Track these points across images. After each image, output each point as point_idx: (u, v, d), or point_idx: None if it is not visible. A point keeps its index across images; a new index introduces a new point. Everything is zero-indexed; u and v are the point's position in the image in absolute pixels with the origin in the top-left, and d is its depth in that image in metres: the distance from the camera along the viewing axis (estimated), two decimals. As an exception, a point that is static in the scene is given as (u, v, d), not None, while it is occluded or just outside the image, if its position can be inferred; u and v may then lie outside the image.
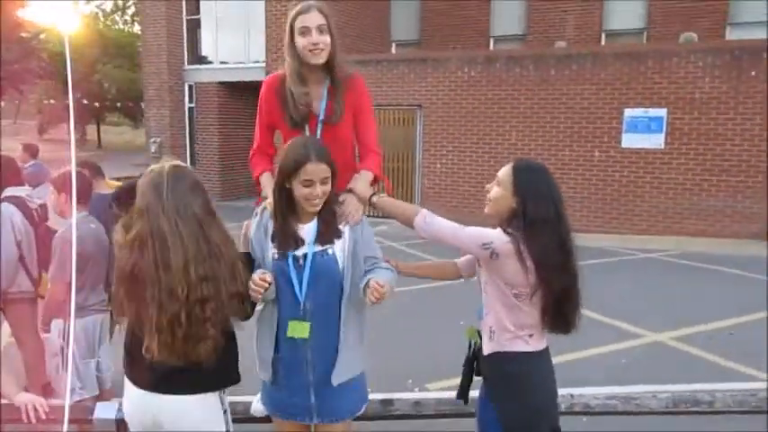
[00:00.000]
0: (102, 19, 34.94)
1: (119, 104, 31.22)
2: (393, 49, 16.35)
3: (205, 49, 14.46)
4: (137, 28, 31.90)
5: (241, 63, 13.81)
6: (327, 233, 2.23)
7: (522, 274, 2.13)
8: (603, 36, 14.46)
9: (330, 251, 2.21)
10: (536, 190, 2.18)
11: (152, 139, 14.62)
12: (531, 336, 2.25)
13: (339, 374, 2.23)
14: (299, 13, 2.53)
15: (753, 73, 9.63)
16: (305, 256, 2.19)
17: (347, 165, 2.60)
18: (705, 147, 9.99)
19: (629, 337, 5.66)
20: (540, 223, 2.13)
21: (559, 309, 2.20)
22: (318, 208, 2.21)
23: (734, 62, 9.75)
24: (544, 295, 2.16)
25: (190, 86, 14.55)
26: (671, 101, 10.11)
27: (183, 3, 14.21)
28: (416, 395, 3.01)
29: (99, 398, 3.33)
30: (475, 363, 2.42)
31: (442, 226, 2.25)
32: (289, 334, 2.20)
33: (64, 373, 3.20)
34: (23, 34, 27.23)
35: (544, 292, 2.15)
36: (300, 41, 2.50)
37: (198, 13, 14.22)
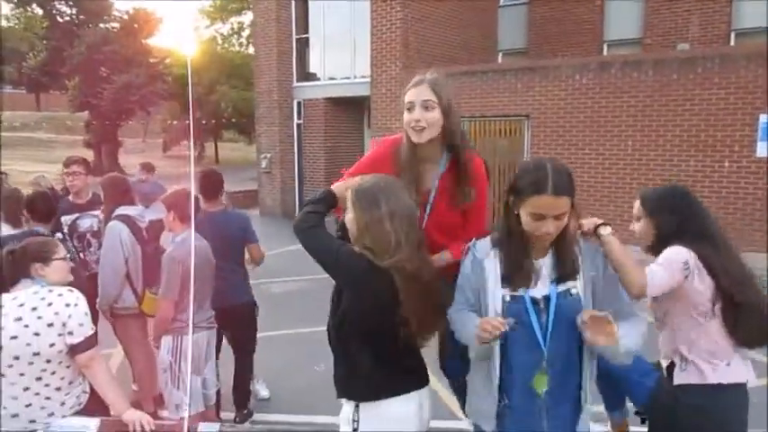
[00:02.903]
0: (220, 42, 37.12)
1: (234, 121, 32.96)
2: (500, 59, 15.99)
3: (313, 67, 14.86)
4: (251, 49, 33.64)
5: (347, 79, 14.04)
6: (566, 270, 1.92)
7: (709, 287, 2.13)
8: (733, 36, 13.27)
9: (574, 290, 1.91)
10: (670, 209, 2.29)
11: (263, 155, 15.20)
12: (719, 364, 2.16)
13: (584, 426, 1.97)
14: (409, 87, 2.42)
15: None
16: (546, 298, 1.90)
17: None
18: None
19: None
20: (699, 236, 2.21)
21: (748, 319, 2.15)
22: (548, 243, 1.92)
23: None
24: (727, 307, 2.14)
25: (298, 103, 15.00)
26: (816, 104, 9.01)
27: (293, 23, 14.70)
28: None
29: (203, 415, 3.35)
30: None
31: (660, 275, 2.05)
32: (531, 385, 1.93)
33: (173, 388, 3.25)
34: (151, 60, 29.58)
35: (726, 303, 2.14)
36: (405, 117, 2.39)
37: (307, 32, 14.66)
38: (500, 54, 16.11)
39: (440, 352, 2.71)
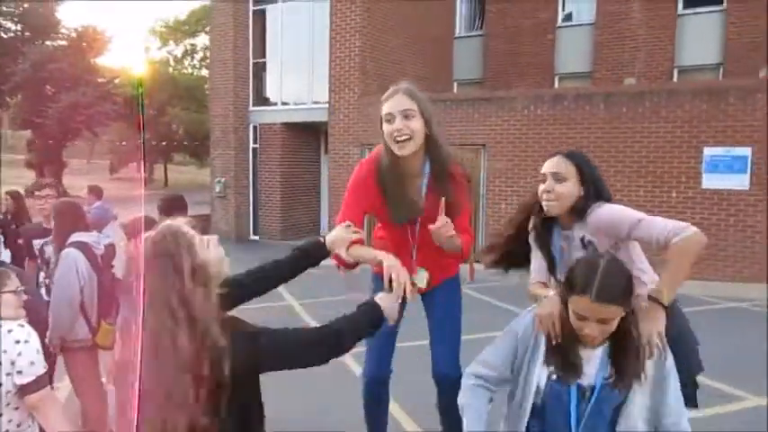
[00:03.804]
0: (172, 64, 36.61)
1: (185, 143, 32.39)
2: (455, 89, 16.27)
3: (269, 91, 14.75)
4: (204, 71, 33.26)
5: (304, 104, 13.99)
6: (622, 377, 1.77)
7: None
8: (676, 72, 13.93)
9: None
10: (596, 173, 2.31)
11: (217, 179, 14.90)
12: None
13: None
14: (384, 100, 2.37)
15: None
16: (591, 387, 1.79)
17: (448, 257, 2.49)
18: (796, 187, 9.29)
19: (725, 399, 5.08)
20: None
21: None
22: (596, 343, 1.81)
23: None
24: None
25: (254, 127, 14.83)
26: (756, 139, 9.49)
27: (251, 47, 14.60)
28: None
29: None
30: None
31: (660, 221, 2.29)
32: None
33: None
34: (99, 79, 28.82)
35: None
36: (385, 129, 2.33)
37: (264, 56, 14.57)
38: (455, 84, 16.42)
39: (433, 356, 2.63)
